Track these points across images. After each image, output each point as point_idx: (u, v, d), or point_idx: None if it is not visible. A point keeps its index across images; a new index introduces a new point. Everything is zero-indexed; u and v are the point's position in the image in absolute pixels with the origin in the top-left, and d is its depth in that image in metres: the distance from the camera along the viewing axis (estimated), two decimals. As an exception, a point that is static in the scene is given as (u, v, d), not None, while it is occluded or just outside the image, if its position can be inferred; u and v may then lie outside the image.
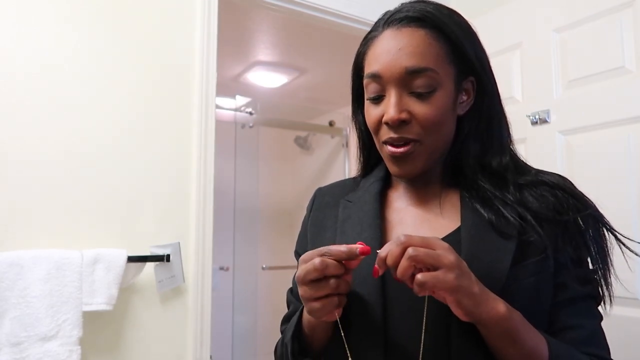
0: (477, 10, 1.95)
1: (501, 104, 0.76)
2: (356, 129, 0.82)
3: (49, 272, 1.30)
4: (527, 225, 0.66)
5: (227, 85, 3.36)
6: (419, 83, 0.66)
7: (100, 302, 1.35)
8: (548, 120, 1.60)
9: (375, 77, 0.69)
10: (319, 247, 0.73)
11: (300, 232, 0.86)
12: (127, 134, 1.51)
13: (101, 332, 1.42)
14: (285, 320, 0.85)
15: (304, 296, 0.61)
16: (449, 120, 0.71)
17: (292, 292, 0.85)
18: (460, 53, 0.70)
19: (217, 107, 1.77)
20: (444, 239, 0.68)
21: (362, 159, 0.84)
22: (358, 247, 0.59)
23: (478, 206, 0.68)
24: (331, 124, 3.76)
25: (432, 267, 0.55)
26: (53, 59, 1.42)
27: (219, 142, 1.68)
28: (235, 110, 3.27)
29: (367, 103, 0.72)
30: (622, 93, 1.43)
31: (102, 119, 1.48)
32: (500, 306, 0.58)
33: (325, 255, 0.60)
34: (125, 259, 1.41)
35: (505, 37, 1.76)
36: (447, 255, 0.56)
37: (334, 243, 0.72)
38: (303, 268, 0.61)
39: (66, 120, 1.43)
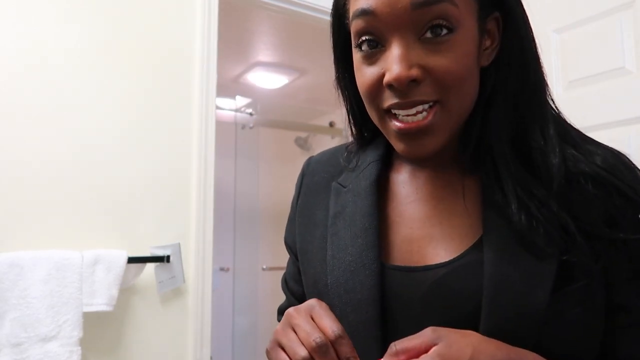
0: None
1: (537, 50, 0.55)
2: (343, 96, 0.62)
3: (49, 272, 1.30)
4: (570, 240, 0.48)
5: (227, 86, 3.36)
6: (432, 21, 0.47)
7: (100, 302, 1.35)
8: (548, 121, 1.60)
9: (367, 14, 0.48)
10: (309, 247, 0.62)
11: (290, 215, 0.70)
12: (127, 135, 1.51)
13: (101, 332, 1.42)
14: (281, 311, 0.77)
15: (277, 336, 0.49)
16: (474, 73, 0.51)
17: (288, 287, 0.73)
18: None
19: (217, 107, 1.77)
20: (459, 257, 0.52)
21: (354, 131, 0.65)
22: None
23: (511, 208, 0.49)
24: (331, 124, 3.76)
25: None
26: (53, 62, 1.42)
27: (219, 143, 1.68)
28: (236, 111, 3.27)
29: (357, 58, 0.52)
30: (622, 94, 1.42)
31: (101, 120, 1.48)
32: None
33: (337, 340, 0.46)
34: (125, 259, 1.40)
35: (505, 37, 1.76)
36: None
37: (324, 247, 0.59)
38: (304, 328, 0.47)
39: (66, 122, 1.43)
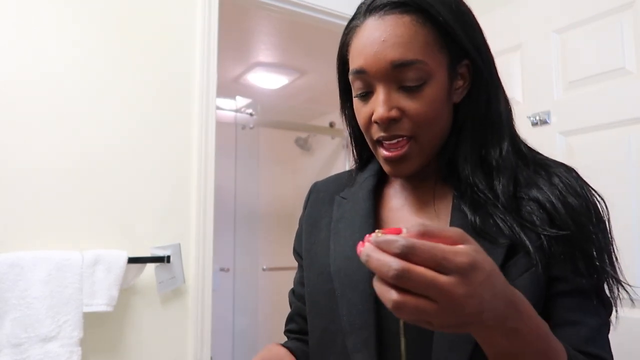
0: (477, 11, 1.95)
1: (500, 87, 0.70)
2: (346, 123, 0.77)
3: (49, 273, 1.30)
4: (517, 235, 0.61)
5: (227, 87, 3.36)
6: (407, 77, 0.61)
7: (100, 303, 1.35)
8: (548, 122, 1.60)
9: (360, 73, 0.64)
10: (313, 246, 0.75)
11: (298, 230, 0.83)
12: (128, 135, 1.51)
13: (102, 333, 1.42)
14: (289, 320, 0.83)
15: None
16: (444, 113, 0.65)
17: (294, 294, 0.82)
18: (451, 37, 0.64)
19: (218, 108, 1.77)
20: None
21: (355, 152, 0.80)
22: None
23: (467, 209, 0.64)
24: (331, 125, 3.76)
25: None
26: (53, 63, 1.42)
27: (219, 144, 1.68)
28: (236, 111, 3.27)
29: (355, 100, 0.68)
30: (622, 94, 1.42)
31: (102, 121, 1.48)
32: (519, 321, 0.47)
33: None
34: (125, 260, 1.41)
35: (505, 38, 1.76)
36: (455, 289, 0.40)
37: (328, 246, 0.71)
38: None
39: (67, 122, 1.43)
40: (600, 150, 1.47)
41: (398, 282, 0.40)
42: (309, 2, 1.90)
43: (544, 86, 1.63)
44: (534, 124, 1.62)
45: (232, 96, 3.37)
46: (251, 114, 3.24)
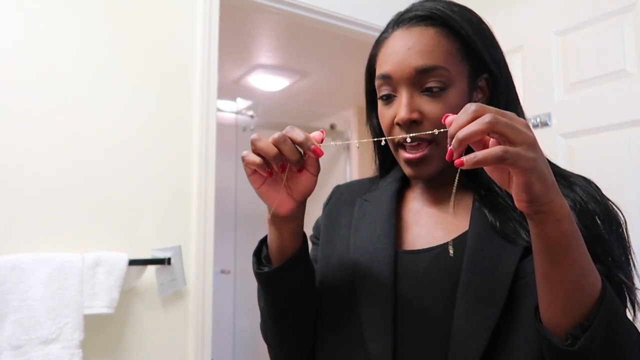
0: (479, 13, 1.95)
1: (517, 101, 0.75)
2: (371, 131, 0.82)
3: (50, 275, 1.30)
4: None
5: (228, 88, 3.37)
6: (430, 82, 0.66)
7: (101, 305, 1.35)
8: (549, 124, 1.60)
9: (386, 77, 0.69)
10: (333, 240, 0.79)
11: (317, 219, 0.87)
12: (128, 137, 1.51)
13: (102, 335, 1.42)
14: None
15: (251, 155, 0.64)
16: None
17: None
18: (472, 50, 0.69)
19: (218, 110, 1.77)
20: (454, 240, 0.68)
21: (378, 161, 0.85)
22: (314, 143, 0.60)
23: (487, 211, 0.67)
24: (332, 127, 3.77)
25: (508, 141, 0.49)
26: (55, 64, 1.42)
27: (219, 145, 1.68)
28: (237, 113, 3.28)
29: (379, 104, 0.72)
30: (623, 96, 1.42)
31: (103, 123, 1.48)
32: (564, 200, 0.52)
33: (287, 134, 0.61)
34: (126, 262, 1.41)
35: (506, 40, 1.75)
36: (528, 131, 0.50)
37: (348, 240, 0.76)
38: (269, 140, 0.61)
39: (67, 124, 1.43)
40: (601, 152, 1.46)
41: (490, 127, 0.49)
42: (310, 4, 1.90)
43: (545, 88, 1.64)
44: (535, 126, 1.63)
45: (232, 98, 3.38)
46: (252, 116, 3.25)
